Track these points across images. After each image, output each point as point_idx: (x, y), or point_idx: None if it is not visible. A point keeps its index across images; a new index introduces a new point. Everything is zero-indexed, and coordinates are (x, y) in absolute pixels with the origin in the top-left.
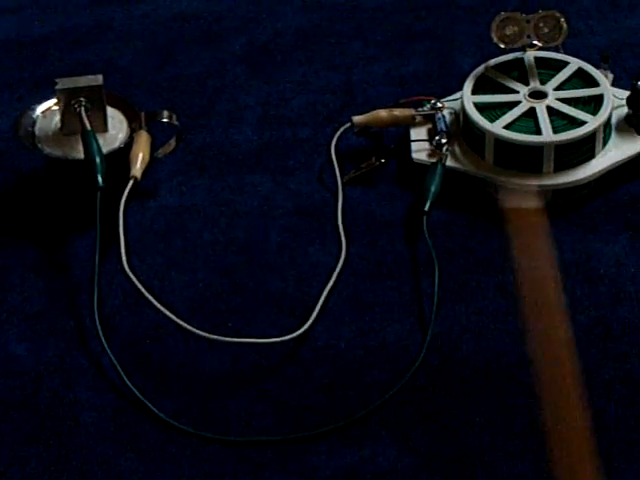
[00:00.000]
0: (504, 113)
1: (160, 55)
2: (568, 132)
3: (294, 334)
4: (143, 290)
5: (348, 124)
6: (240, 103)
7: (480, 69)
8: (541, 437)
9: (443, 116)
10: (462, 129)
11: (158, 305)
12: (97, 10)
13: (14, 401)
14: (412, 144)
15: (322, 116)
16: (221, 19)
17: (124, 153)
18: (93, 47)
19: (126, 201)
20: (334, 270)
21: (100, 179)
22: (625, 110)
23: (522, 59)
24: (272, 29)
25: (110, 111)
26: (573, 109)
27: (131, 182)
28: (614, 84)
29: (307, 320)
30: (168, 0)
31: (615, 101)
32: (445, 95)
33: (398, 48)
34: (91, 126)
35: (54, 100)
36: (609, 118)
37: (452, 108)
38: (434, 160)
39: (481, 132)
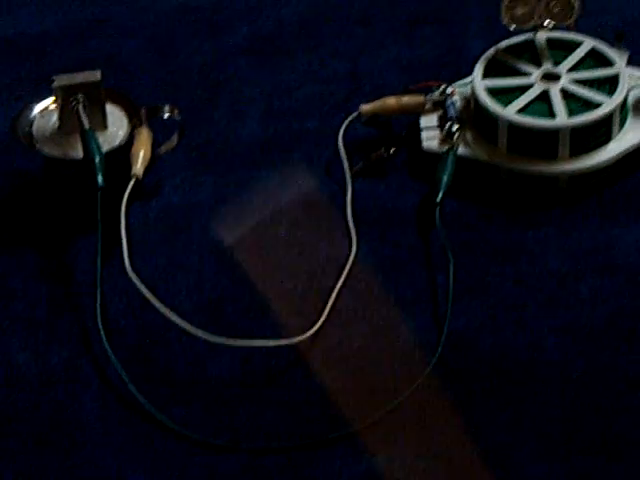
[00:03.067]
0: (517, 97)
1: (161, 48)
2: (583, 115)
3: (305, 335)
4: (147, 294)
5: (356, 113)
6: (244, 95)
7: (490, 52)
8: (564, 434)
9: (454, 102)
10: (474, 115)
11: (163, 309)
12: (96, 5)
13: (17, 412)
14: (422, 132)
15: (328, 106)
16: (222, 9)
17: (125, 151)
18: (92, 43)
19: (128, 201)
20: (345, 266)
21: (100, 179)
22: None
23: (534, 40)
24: (275, 18)
25: (109, 107)
26: (588, 90)
27: (132, 181)
28: (630, 63)
29: (318, 319)
30: None
31: (631, 81)
32: (455, 80)
33: (405, 33)
34: (90, 124)
35: (52, 99)
36: (625, 99)
37: (463, 93)
38: (445, 149)
39: (493, 117)
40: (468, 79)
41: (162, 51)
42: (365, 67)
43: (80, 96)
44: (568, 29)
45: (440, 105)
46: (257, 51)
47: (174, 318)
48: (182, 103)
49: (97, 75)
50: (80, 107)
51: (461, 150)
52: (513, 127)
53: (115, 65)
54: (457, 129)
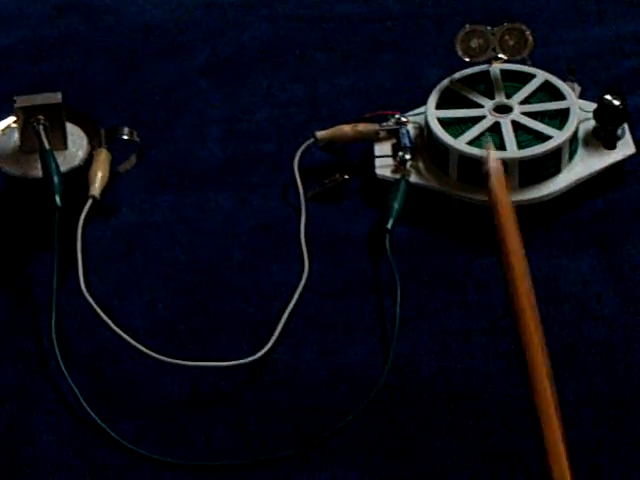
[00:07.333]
0: (468, 128)
1: (123, 68)
2: (533, 147)
3: (254, 356)
4: (101, 313)
5: (312, 139)
6: (204, 117)
7: (445, 82)
8: (504, 460)
9: (407, 131)
10: (426, 144)
11: (116, 329)
12: (60, 22)
13: None
14: (376, 160)
15: (286, 130)
16: (185, 31)
17: (84, 171)
18: (56, 60)
19: (85, 221)
20: (296, 289)
21: (58, 199)
22: (592, 123)
23: (488, 72)
24: (237, 41)
25: (70, 127)
26: (538, 123)
27: (90, 202)
28: (582, 96)
29: (268, 342)
30: (132, 12)
31: (582, 114)
32: (412, 108)
33: (364, 59)
34: (50, 144)
35: (14, 117)
36: (575, 132)
37: (417, 122)
38: (398, 176)
39: (445, 148)
40: (422, 108)
41: (124, 70)
42: (324, 92)
43: (41, 117)
44: (522, 62)
45: (394, 134)
46: (218, 73)
47: (127, 338)
48: (143, 123)
49: (58, 97)
50: (40, 128)
51: (413, 178)
52: (463, 158)
53: (77, 83)
54: (409, 158)
